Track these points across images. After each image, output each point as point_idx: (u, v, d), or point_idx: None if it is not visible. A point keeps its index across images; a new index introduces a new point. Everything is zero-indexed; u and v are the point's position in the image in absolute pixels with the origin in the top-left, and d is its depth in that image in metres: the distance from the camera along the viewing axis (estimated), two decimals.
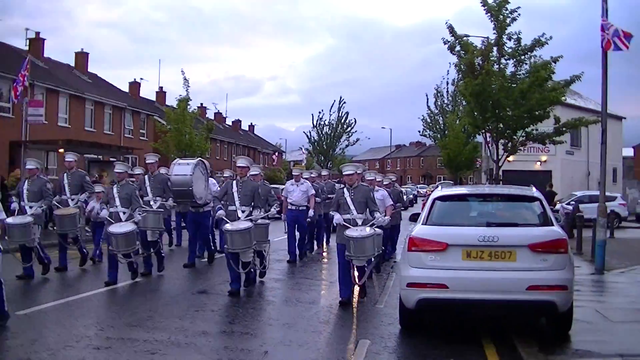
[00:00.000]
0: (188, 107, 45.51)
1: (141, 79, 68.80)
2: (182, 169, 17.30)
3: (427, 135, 74.08)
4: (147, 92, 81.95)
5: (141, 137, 55.24)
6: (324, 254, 21.35)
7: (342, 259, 12.71)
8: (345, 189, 13.16)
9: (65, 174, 16.86)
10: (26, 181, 15.61)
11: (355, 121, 70.31)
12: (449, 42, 30.28)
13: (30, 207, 15.17)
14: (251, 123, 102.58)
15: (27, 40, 48.20)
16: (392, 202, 16.95)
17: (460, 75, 33.20)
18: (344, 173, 13.23)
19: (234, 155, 79.00)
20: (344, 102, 69.89)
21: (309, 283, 15.34)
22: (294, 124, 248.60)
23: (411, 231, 10.23)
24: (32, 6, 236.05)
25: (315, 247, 21.76)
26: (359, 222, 12.82)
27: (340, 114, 69.38)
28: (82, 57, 54.93)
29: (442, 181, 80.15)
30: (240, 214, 13.81)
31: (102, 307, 12.40)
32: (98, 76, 57.57)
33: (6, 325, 10.27)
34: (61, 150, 34.03)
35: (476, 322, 10.91)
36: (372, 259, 13.24)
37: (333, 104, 70.15)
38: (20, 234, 14.63)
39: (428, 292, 9.56)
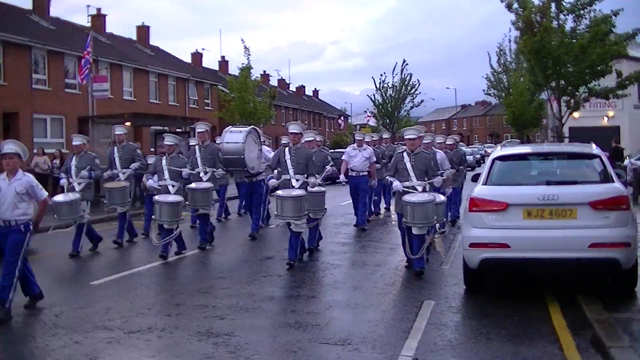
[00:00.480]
0: (250, 75, 45.82)
1: (203, 49, 69.60)
2: (233, 136, 16.60)
3: (492, 94, 73.30)
4: (210, 62, 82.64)
5: (206, 107, 55.73)
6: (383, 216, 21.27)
7: (402, 228, 12.28)
8: (405, 154, 12.40)
9: (115, 148, 16.68)
10: (74, 157, 15.40)
11: (419, 82, 69.76)
12: None
13: (79, 184, 15.05)
14: (315, 88, 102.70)
15: (89, 17, 48.91)
16: (449, 166, 16.39)
17: (519, 33, 32.77)
18: (405, 137, 12.49)
19: (299, 122, 79.35)
20: (407, 64, 69.33)
21: (375, 246, 15.43)
22: (358, 87, 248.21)
23: (472, 191, 10.30)
24: None
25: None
26: (419, 189, 12.13)
27: (403, 76, 68.87)
28: (143, 31, 55.53)
29: (509, 140, 79.30)
30: (294, 182, 13.11)
31: (171, 276, 12.68)
32: (160, 48, 58.17)
33: (84, 293, 10.88)
34: (127, 123, 34.55)
35: (540, 281, 10.94)
36: (436, 228, 13.02)
37: (395, 66, 69.67)
38: (68, 211, 14.57)
39: (490, 252, 9.63)
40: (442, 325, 8.73)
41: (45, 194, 10.05)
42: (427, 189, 12.21)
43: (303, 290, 11.06)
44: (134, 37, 55.03)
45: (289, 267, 12.60)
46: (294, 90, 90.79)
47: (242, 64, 45.78)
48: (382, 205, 21.89)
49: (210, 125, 17.26)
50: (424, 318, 8.99)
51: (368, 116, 74.51)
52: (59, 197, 14.72)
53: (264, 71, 73.61)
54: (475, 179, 11.78)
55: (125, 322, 9.11)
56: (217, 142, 17.18)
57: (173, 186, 14.47)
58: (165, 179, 14.52)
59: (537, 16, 28.97)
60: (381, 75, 69.62)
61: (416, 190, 12.13)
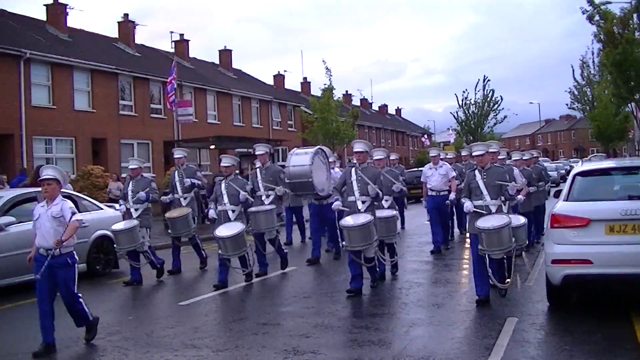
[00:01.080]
0: (332, 95, 46.14)
1: (285, 70, 70.21)
2: (299, 159, 15.53)
3: (576, 108, 72.31)
4: (292, 83, 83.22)
5: (289, 129, 56.20)
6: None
7: (475, 252, 11.17)
8: (476, 171, 11.45)
9: (176, 172, 16.00)
10: (130, 182, 14.91)
11: (501, 98, 69.16)
12: (587, 11, 29.52)
13: (136, 209, 14.53)
14: (397, 107, 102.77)
15: (173, 43, 49.99)
16: (523, 182, 14.57)
17: (601, 46, 32.25)
18: (473, 154, 11.78)
19: (382, 140, 79.42)
20: (488, 80, 68.91)
21: (459, 264, 15.37)
22: (440, 104, 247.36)
23: (553, 208, 10.24)
24: (174, 8, 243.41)
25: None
26: (493, 209, 11.14)
27: (485, 92, 68.42)
28: (225, 55, 56.41)
29: (594, 154, 77.79)
30: (360, 205, 12.19)
31: (255, 296, 12.87)
32: (242, 71, 59.01)
33: (173, 313, 11.23)
34: (212, 146, 35.18)
35: (624, 297, 10.76)
36: (513, 252, 11.50)
37: (477, 83, 69.30)
38: (127, 239, 14.08)
39: (573, 268, 9.57)
40: (524, 342, 8.70)
41: (76, 217, 9.29)
42: (504, 209, 11.30)
43: (386, 308, 11.14)
44: (217, 61, 55.95)
45: (350, 295, 11.82)
46: (377, 109, 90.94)
47: (324, 84, 46.29)
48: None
49: (270, 146, 16.65)
50: (506, 335, 8.96)
51: (450, 133, 74.18)
52: (116, 226, 14.34)
53: (346, 91, 74.00)
54: (557, 195, 11.74)
55: (213, 341, 9.34)
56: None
57: (233, 211, 13.76)
58: (224, 204, 13.76)
59: (619, 28, 28.43)
60: (463, 92, 69.51)
61: (490, 209, 11.14)
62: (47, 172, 9.41)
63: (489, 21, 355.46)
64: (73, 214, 9.18)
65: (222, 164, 14.14)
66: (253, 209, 14.32)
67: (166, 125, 38.70)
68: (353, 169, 12.50)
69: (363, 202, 12.21)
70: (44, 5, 38.67)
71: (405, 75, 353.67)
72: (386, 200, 13.18)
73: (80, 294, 9.42)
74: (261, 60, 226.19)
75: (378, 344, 8.85)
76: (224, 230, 13.27)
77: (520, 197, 12.46)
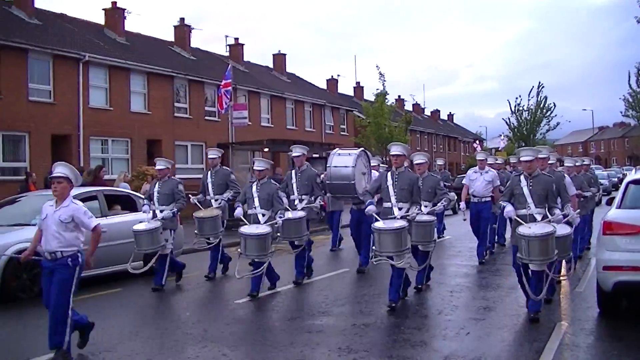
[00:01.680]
0: (385, 100, 46.16)
1: (338, 75, 70.10)
2: (342, 160, 15.07)
3: (630, 115, 71.15)
4: (345, 87, 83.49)
5: (342, 133, 56.32)
6: None
7: (516, 263, 10.54)
8: (522, 177, 10.78)
9: (209, 172, 15.49)
10: (157, 183, 14.37)
11: (554, 105, 68.51)
12: None
13: (161, 211, 13.95)
14: (450, 112, 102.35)
15: (227, 47, 50.48)
16: (575, 191, 14.15)
17: None
18: (521, 159, 10.98)
19: (434, 146, 79.17)
20: (543, 87, 68.32)
21: (509, 269, 15.20)
22: (493, 110, 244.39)
23: (605, 215, 10.25)
24: (229, 13, 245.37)
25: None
26: (538, 218, 10.43)
27: (539, 99, 67.85)
28: (279, 59, 56.72)
29: None
30: (396, 211, 11.48)
31: (307, 297, 13.01)
32: (296, 75, 59.30)
33: (229, 311, 11.48)
34: (266, 149, 35.42)
35: None
36: (559, 266, 11.19)
37: (531, 89, 68.73)
38: (148, 241, 13.53)
39: (624, 275, 9.64)
40: (574, 346, 8.80)
41: (95, 222, 8.65)
42: (552, 219, 10.35)
43: (437, 310, 11.26)
44: (271, 65, 56.29)
45: (390, 310, 11.03)
46: (429, 114, 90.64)
47: (377, 89, 46.31)
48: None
49: (307, 148, 15.39)
50: (556, 339, 9.04)
51: (502, 139, 73.64)
52: (138, 226, 13.73)
53: (399, 96, 74.02)
54: (609, 202, 11.72)
55: (268, 338, 9.59)
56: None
57: (264, 215, 13.01)
58: (255, 207, 13.10)
59: None
60: (516, 98, 68.99)
61: (535, 218, 10.45)
62: (58, 170, 8.79)
63: (544, 27, 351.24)
64: (90, 218, 8.61)
65: (255, 167, 13.38)
66: (283, 216, 13.26)
67: (220, 128, 39.08)
68: (389, 173, 11.85)
69: (400, 209, 11.51)
70: (103, 9, 39.41)
71: (458, 81, 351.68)
72: (425, 207, 12.58)
73: (72, 310, 8.48)
74: (315, 64, 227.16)
75: (429, 345, 9.00)
76: (250, 229, 12.62)
77: (575, 216, 11.02)
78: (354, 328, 9.95)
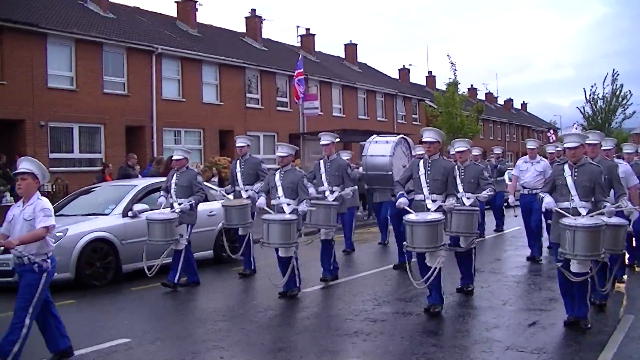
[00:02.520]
0: (457, 89, 45.79)
1: (410, 64, 69.89)
2: (379, 148, 14.16)
3: None
4: (417, 77, 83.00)
5: (413, 122, 56.07)
6: None
7: (557, 261, 9.27)
8: (566, 166, 9.36)
9: (237, 162, 14.36)
10: (175, 174, 13.32)
11: (630, 93, 66.92)
12: None
13: (179, 204, 12.84)
14: (523, 101, 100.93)
15: (299, 37, 50.66)
16: (637, 182, 12.10)
17: None
18: (565, 146, 9.63)
19: (507, 135, 78.17)
20: (617, 74, 66.76)
21: None
22: (567, 99, 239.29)
23: None
24: (299, 3, 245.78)
25: None
26: (583, 212, 8.98)
27: (614, 87, 66.37)
28: (351, 48, 56.74)
29: None
30: (429, 204, 10.34)
31: (373, 285, 12.91)
32: (367, 65, 59.30)
33: (295, 298, 11.51)
34: (337, 139, 35.45)
35: None
36: (607, 261, 9.57)
37: (606, 77, 67.26)
38: (161, 232, 12.48)
39: None
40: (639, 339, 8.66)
41: (49, 223, 7.62)
42: (605, 212, 8.90)
43: (499, 302, 11.13)
44: (342, 55, 56.31)
45: (434, 313, 10.07)
46: (502, 103, 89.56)
47: (449, 78, 45.92)
48: None
49: (337, 136, 14.19)
50: (621, 332, 8.94)
51: (576, 128, 72.33)
52: (153, 214, 12.83)
53: (471, 85, 73.40)
54: None
55: (334, 326, 9.64)
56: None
57: (288, 204, 11.79)
58: (278, 197, 11.87)
59: None
60: (592, 86, 67.62)
61: (579, 213, 9.02)
62: (23, 165, 7.89)
63: (620, 12, 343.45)
64: (46, 217, 7.63)
65: (278, 153, 12.11)
66: (313, 201, 12.24)
67: (292, 118, 39.22)
68: (421, 162, 10.61)
69: (434, 201, 10.32)
70: (175, 2, 39.86)
71: (532, 69, 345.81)
72: (468, 198, 11.54)
73: (30, 320, 7.65)
74: (386, 54, 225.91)
75: (492, 336, 8.93)
76: (275, 216, 11.48)
77: (631, 209, 9.95)
78: (419, 317, 10.02)
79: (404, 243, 10.06)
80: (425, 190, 10.35)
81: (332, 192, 13.14)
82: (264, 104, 39.39)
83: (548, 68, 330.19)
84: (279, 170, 12.07)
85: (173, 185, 13.12)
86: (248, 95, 38.50)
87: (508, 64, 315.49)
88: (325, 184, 13.22)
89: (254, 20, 44.81)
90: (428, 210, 10.25)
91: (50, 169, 26.42)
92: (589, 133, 10.62)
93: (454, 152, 12.59)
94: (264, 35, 46.00)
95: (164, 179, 14.48)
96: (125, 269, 13.38)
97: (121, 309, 10.00)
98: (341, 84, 46.93)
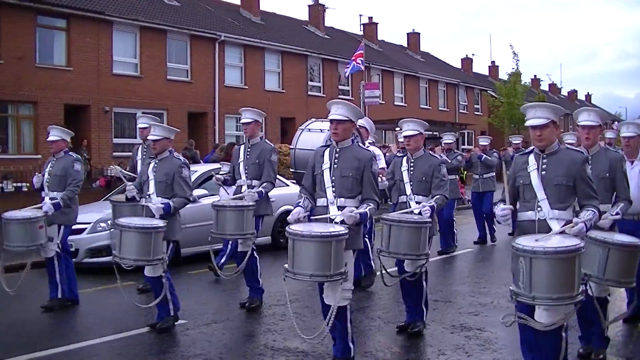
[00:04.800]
0: (520, 80, 45.41)
1: (472, 54, 69.43)
2: (312, 138, 11.79)
3: None
4: (480, 67, 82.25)
5: (475, 113, 55.70)
6: None
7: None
8: (530, 157, 6.29)
9: (241, 148, 10.56)
10: (50, 161, 10.21)
11: None
12: None
13: (51, 199, 9.70)
14: (587, 93, 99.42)
15: (362, 26, 50.64)
16: None
17: None
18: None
19: (570, 127, 77.15)
20: None
21: None
22: (633, 90, 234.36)
23: None
24: None
25: None
26: (555, 225, 5.96)
27: None
28: (414, 37, 56.64)
29: None
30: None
31: (433, 274, 12.89)
32: (430, 54, 59.10)
33: None
34: (397, 128, 35.41)
35: None
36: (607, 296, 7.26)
37: None
38: (21, 234, 9.46)
39: None
40: None
41: None
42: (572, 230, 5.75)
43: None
44: (405, 44, 56.15)
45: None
46: (566, 94, 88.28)
47: (512, 69, 45.57)
48: None
49: (263, 113, 11.16)
50: None
51: None
52: (9, 213, 9.67)
53: (535, 75, 72.67)
54: None
55: (385, 313, 9.75)
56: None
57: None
58: (149, 195, 8.92)
59: None
60: None
61: (548, 228, 5.97)
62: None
63: None
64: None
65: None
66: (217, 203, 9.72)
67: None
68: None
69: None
70: None
71: (598, 60, 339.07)
72: (417, 203, 8.39)
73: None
74: (449, 43, 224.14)
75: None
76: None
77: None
78: (470, 307, 10.08)
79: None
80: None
81: (250, 187, 9.89)
82: (326, 91, 39.50)
83: (614, 59, 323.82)
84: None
85: (46, 175, 9.94)
86: (310, 83, 38.76)
87: (573, 54, 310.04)
88: (243, 176, 10.00)
89: (317, 9, 44.99)
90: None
91: (114, 153, 26.99)
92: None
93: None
94: (327, 23, 46.19)
95: (225, 163, 14.59)
96: (184, 253, 13.59)
97: (179, 292, 10.18)
98: (403, 72, 46.87)
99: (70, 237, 10.65)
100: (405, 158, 8.66)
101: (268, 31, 37.80)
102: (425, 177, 8.36)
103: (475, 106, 57.02)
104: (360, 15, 50.75)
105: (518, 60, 45.17)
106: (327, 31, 45.17)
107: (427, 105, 49.41)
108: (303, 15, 45.77)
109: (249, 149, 9.65)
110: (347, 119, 7.11)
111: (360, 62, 31.66)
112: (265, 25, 38.87)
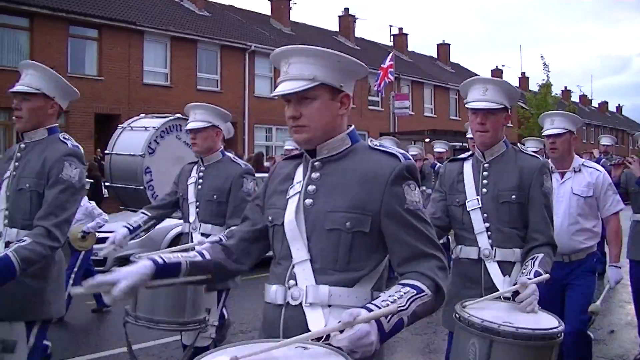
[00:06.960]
0: (550, 91, 45.17)
1: (503, 65, 69.13)
2: (131, 140, 10.36)
3: None
4: (510, 78, 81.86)
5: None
6: None
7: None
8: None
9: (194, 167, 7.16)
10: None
11: None
12: None
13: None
14: (618, 104, 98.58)
15: (392, 37, 50.63)
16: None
17: None
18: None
19: (599, 137, 76.46)
20: None
21: None
22: None
23: None
24: (393, 2, 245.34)
25: None
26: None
27: None
28: (444, 48, 56.50)
29: None
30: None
31: None
32: (460, 65, 58.88)
33: None
34: (427, 139, 35.32)
35: None
36: None
37: None
38: None
39: None
40: None
41: None
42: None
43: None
44: (435, 55, 56.04)
45: None
46: (597, 106, 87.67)
47: (542, 80, 45.37)
48: None
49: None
50: None
51: None
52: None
53: (565, 87, 72.12)
54: None
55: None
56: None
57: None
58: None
59: None
60: None
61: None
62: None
63: None
64: None
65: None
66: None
67: (383, 118, 39.30)
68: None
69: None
70: (269, 0, 40.29)
71: (629, 70, 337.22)
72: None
73: None
74: (479, 54, 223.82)
75: None
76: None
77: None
78: None
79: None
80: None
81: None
82: (356, 102, 39.32)
83: None
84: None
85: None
86: None
87: (604, 65, 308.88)
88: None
89: (347, 19, 45.05)
90: None
91: None
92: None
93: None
94: (357, 34, 46.25)
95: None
96: None
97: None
98: (433, 83, 46.77)
99: (96, 246, 10.67)
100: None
101: (298, 42, 37.76)
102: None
103: None
104: (391, 26, 51.07)
105: (549, 71, 45.00)
106: (358, 42, 45.22)
107: (457, 116, 49.22)
108: (333, 26, 45.93)
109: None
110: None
111: (390, 74, 31.68)
112: (295, 35, 38.93)
